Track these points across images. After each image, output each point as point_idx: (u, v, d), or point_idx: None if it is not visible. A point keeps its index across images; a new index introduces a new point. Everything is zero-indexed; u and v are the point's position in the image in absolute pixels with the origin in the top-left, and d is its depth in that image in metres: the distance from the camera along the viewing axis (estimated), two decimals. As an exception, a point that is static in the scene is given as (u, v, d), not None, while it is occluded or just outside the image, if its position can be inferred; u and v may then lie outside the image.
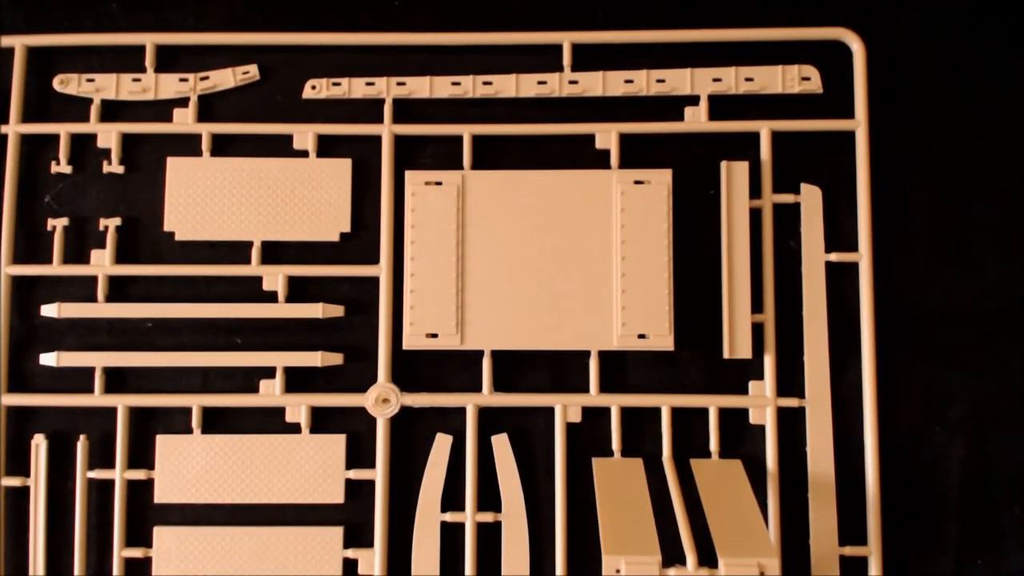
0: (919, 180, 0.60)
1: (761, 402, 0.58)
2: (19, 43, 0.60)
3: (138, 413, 0.59)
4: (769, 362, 0.58)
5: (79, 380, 0.59)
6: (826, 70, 0.60)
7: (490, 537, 0.57)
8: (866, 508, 0.57)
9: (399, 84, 0.60)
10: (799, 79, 0.60)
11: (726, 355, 0.57)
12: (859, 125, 0.59)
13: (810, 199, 0.59)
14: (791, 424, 0.58)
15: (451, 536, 0.57)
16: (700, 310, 0.59)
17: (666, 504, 0.54)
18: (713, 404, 0.58)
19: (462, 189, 0.58)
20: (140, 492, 0.58)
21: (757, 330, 0.58)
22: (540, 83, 0.60)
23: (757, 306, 0.58)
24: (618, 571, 0.47)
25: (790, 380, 0.58)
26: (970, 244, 0.60)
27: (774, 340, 0.58)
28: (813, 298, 0.59)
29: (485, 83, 0.60)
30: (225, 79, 0.61)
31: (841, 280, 0.59)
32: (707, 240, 0.59)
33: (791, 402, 0.58)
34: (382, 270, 0.59)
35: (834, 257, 0.59)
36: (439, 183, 0.58)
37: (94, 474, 0.58)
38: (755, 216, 0.59)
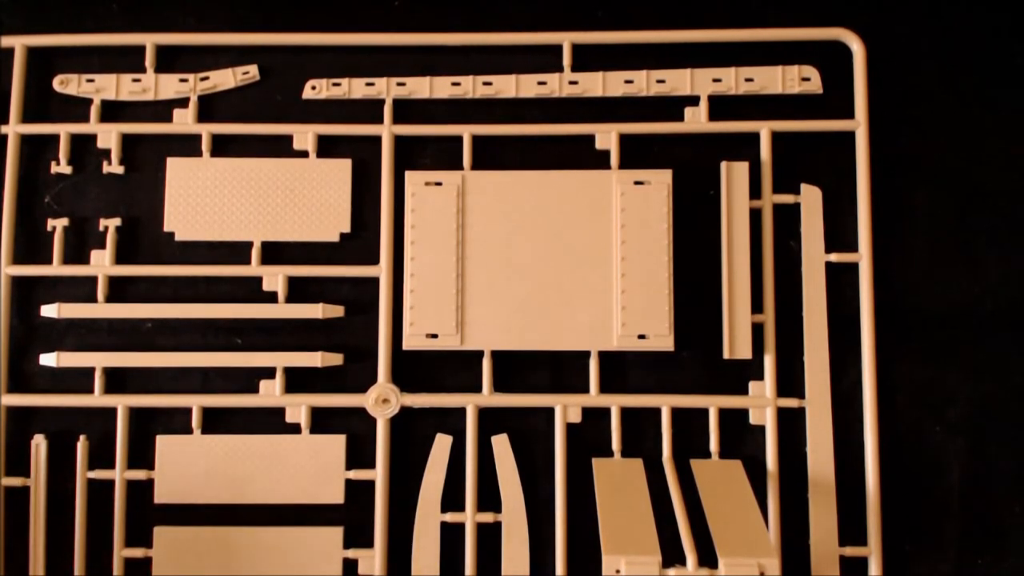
0: (919, 180, 0.60)
1: (761, 402, 0.58)
2: (19, 43, 0.60)
3: (138, 413, 0.59)
4: (769, 362, 0.58)
5: (79, 380, 0.59)
6: (826, 70, 0.60)
7: (490, 537, 0.57)
8: (866, 508, 0.57)
9: (399, 84, 0.60)
10: (799, 79, 0.60)
11: (726, 355, 0.57)
12: (859, 125, 0.59)
13: (810, 199, 0.59)
14: (791, 424, 0.58)
15: (451, 536, 0.57)
16: (700, 310, 0.59)
17: (666, 504, 0.53)
18: (713, 404, 0.58)
19: (462, 189, 0.58)
20: (140, 492, 0.58)
21: (757, 330, 0.58)
22: (540, 83, 0.60)
23: (757, 306, 0.58)
24: (618, 571, 0.47)
25: (790, 380, 0.58)
26: (970, 244, 0.60)
27: (774, 340, 0.58)
28: (813, 298, 0.59)
29: (485, 83, 0.60)
30: (225, 79, 0.61)
31: (841, 280, 0.59)
32: (707, 240, 0.59)
33: (791, 402, 0.58)
34: (382, 270, 0.59)
35: (834, 257, 0.59)
36: (439, 183, 0.58)
37: (94, 474, 0.58)
38: (755, 216, 0.59)
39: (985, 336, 0.59)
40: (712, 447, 0.58)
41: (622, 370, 0.59)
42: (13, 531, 0.58)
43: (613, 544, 0.49)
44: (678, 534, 0.51)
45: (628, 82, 0.60)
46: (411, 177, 0.59)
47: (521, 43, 0.61)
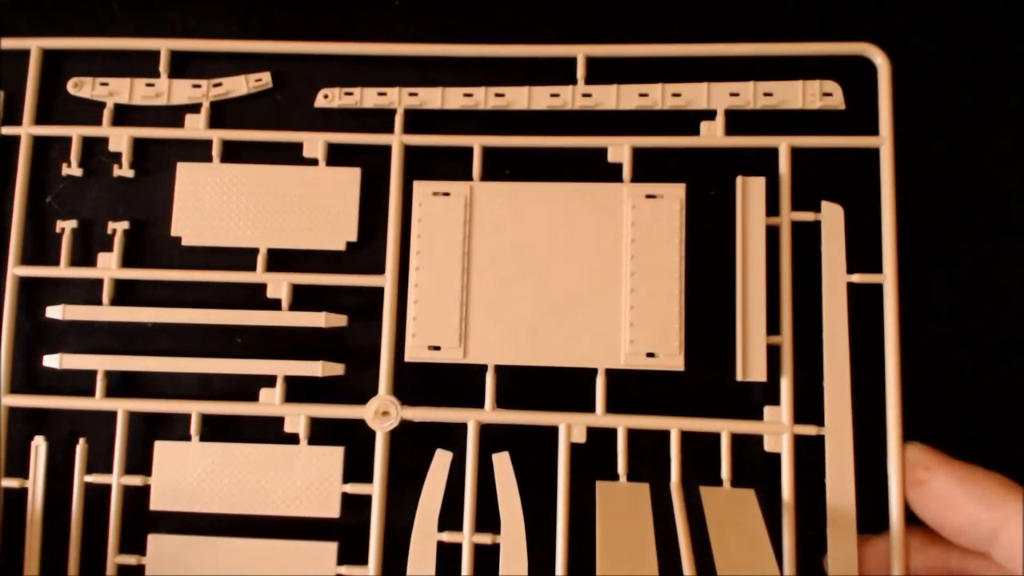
0: (946, 198, 0.57)
1: (777, 429, 0.55)
2: (35, 45, 0.61)
3: (143, 418, 0.59)
4: (786, 386, 0.55)
5: (86, 381, 0.59)
6: (848, 86, 0.58)
7: (488, 558, 0.55)
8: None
9: (411, 95, 0.60)
10: (820, 94, 0.58)
11: (739, 377, 0.55)
12: (884, 142, 0.57)
13: (831, 217, 0.57)
14: (809, 453, 0.55)
15: (448, 555, 0.55)
16: (713, 329, 0.56)
17: (673, 532, 0.51)
18: (725, 429, 0.55)
19: (470, 200, 0.57)
20: (138, 498, 0.58)
21: (774, 353, 0.55)
22: (553, 96, 0.59)
23: (774, 328, 0.56)
24: (611, 596, 0.45)
25: (808, 406, 0.55)
26: (1001, 265, 0.57)
27: (791, 363, 0.55)
28: (834, 320, 0.56)
29: (497, 95, 0.59)
30: (238, 86, 0.61)
31: (865, 302, 0.56)
32: (722, 257, 0.57)
33: (809, 429, 0.55)
34: (387, 280, 0.58)
35: (856, 278, 0.56)
36: (447, 194, 0.58)
37: (91, 478, 0.57)
38: (774, 234, 0.57)
39: (1018, 362, 0.56)
40: (724, 474, 0.55)
41: (630, 389, 0.57)
42: (10, 532, 0.58)
43: (608, 569, 0.47)
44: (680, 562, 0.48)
45: (643, 95, 0.59)
46: (419, 187, 0.58)
47: (534, 55, 0.60)
